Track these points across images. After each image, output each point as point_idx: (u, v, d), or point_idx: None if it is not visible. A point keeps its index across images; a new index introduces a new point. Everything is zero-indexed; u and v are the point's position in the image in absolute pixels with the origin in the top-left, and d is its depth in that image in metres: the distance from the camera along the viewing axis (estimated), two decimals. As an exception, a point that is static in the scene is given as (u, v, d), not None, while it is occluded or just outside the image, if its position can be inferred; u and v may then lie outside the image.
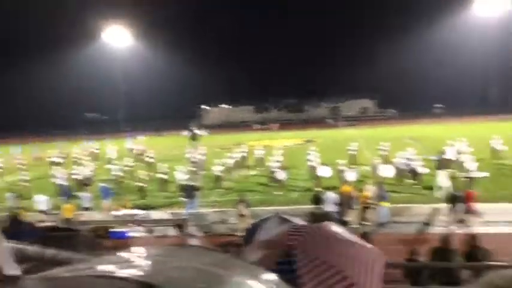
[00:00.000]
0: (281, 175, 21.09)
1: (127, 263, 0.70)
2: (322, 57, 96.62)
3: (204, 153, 28.00)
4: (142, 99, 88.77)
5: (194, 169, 20.78)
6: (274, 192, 20.65)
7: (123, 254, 0.77)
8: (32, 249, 1.35)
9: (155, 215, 18.43)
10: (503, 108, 64.35)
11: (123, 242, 13.80)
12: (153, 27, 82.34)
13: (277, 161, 23.43)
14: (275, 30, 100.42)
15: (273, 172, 21.86)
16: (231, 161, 25.36)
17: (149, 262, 0.72)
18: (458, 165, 21.45)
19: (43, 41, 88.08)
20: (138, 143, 37.50)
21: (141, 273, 0.66)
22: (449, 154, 22.33)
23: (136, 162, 31.22)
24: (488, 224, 14.38)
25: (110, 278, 0.64)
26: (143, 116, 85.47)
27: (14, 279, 0.88)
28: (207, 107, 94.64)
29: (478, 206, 14.81)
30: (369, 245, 1.87)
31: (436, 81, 79.91)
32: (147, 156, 30.25)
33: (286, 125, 70.42)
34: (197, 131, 21.32)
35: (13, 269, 0.93)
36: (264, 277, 0.85)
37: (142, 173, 22.18)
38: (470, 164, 19.08)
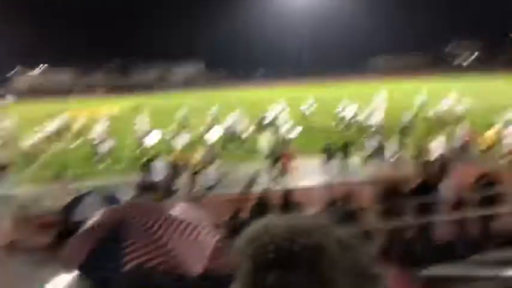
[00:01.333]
0: (105, 145, 19.89)
1: None
2: (148, 18, 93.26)
3: (14, 124, 24.73)
4: None
5: (0, 143, 18.09)
6: (98, 165, 19.41)
7: None
8: None
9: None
10: (315, 72, 72.19)
11: None
12: None
13: (101, 131, 21.99)
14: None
15: (96, 143, 20.46)
16: (47, 132, 22.86)
17: None
18: (277, 126, 23.44)
19: None
20: None
21: None
22: (270, 117, 24.14)
23: None
24: (301, 179, 16.14)
25: None
26: None
27: None
28: (18, 71, 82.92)
29: (294, 163, 16.46)
30: (206, 228, 1.80)
31: (259, 46, 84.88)
32: None
33: (111, 90, 66.55)
34: (3, 99, 18.41)
35: None
36: None
37: None
38: (286, 125, 20.97)
